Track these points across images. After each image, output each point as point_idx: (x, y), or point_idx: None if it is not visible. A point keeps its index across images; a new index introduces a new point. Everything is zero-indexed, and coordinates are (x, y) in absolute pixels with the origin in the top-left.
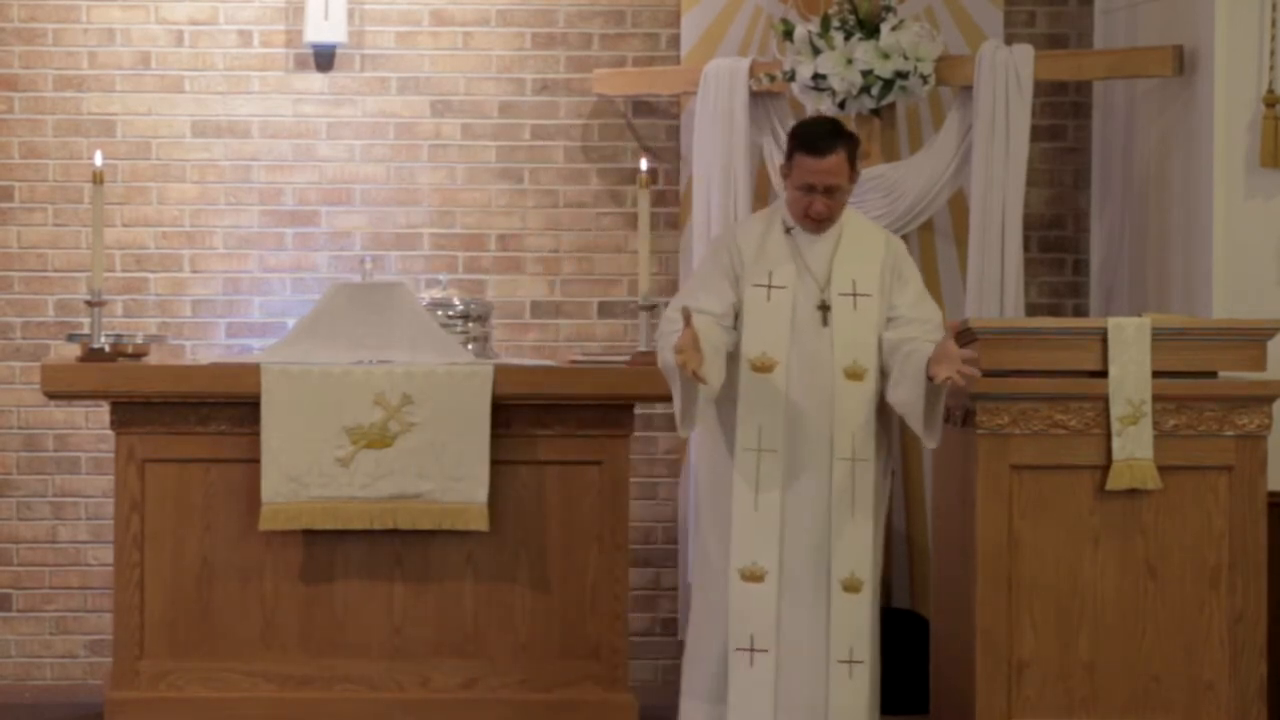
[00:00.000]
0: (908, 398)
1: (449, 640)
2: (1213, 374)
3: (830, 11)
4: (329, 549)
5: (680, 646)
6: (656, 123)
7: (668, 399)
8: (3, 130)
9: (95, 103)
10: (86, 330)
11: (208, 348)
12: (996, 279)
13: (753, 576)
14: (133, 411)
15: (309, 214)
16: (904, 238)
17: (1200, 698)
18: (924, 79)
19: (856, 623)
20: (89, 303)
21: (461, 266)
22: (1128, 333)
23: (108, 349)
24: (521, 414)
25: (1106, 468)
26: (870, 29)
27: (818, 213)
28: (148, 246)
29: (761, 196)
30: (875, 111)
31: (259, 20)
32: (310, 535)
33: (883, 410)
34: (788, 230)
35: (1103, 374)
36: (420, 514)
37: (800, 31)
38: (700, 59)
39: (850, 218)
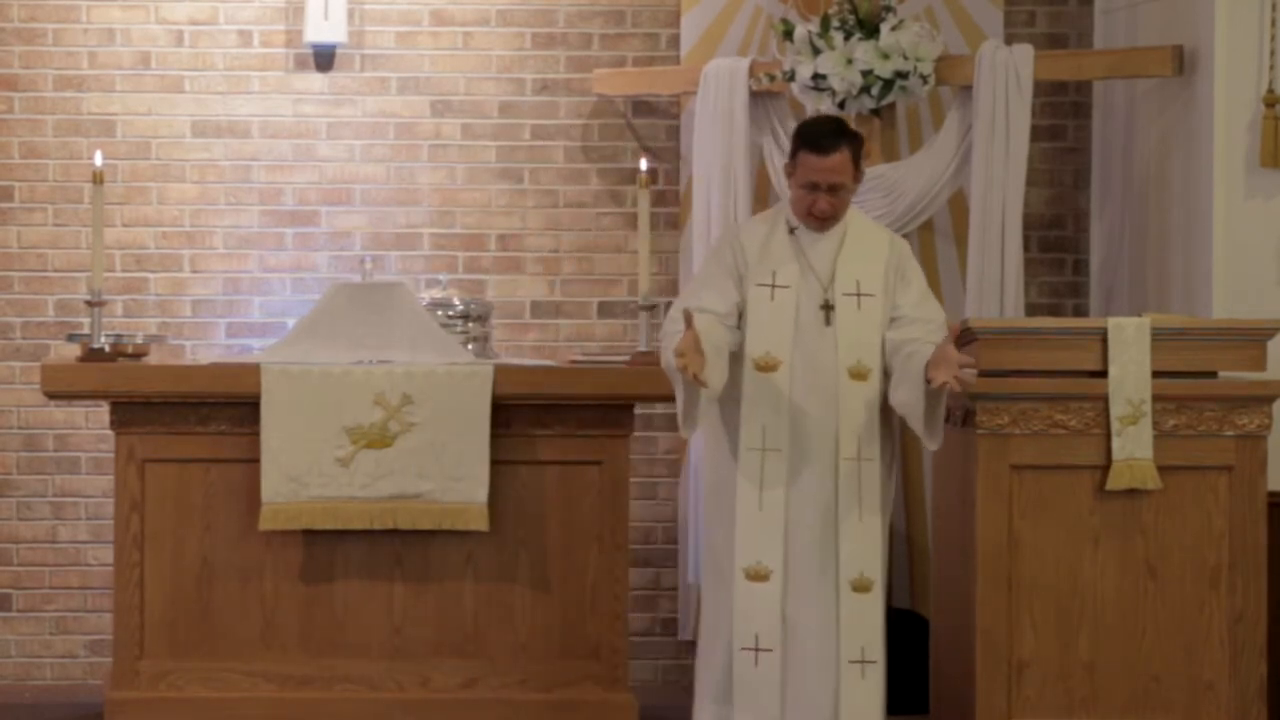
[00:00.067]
0: (908, 399)
1: (449, 640)
2: (1213, 374)
3: (830, 11)
4: (329, 549)
5: (680, 646)
6: (656, 123)
7: (668, 399)
8: (3, 130)
9: (95, 103)
10: (86, 330)
11: (208, 348)
12: (996, 279)
13: (757, 576)
14: (133, 411)
15: (309, 214)
16: (904, 238)
17: (1200, 698)
18: (924, 79)
19: (868, 622)
20: (89, 303)
21: (461, 266)
22: (1128, 333)
23: (108, 349)
24: (521, 414)
25: (1106, 468)
26: (870, 29)
27: (821, 211)
28: (148, 246)
29: (761, 196)
30: (875, 111)
31: (259, 20)
32: (310, 535)
33: (887, 410)
34: (791, 230)
35: (1103, 374)
36: (420, 514)
37: (800, 31)
38: (700, 59)
39: (854, 217)
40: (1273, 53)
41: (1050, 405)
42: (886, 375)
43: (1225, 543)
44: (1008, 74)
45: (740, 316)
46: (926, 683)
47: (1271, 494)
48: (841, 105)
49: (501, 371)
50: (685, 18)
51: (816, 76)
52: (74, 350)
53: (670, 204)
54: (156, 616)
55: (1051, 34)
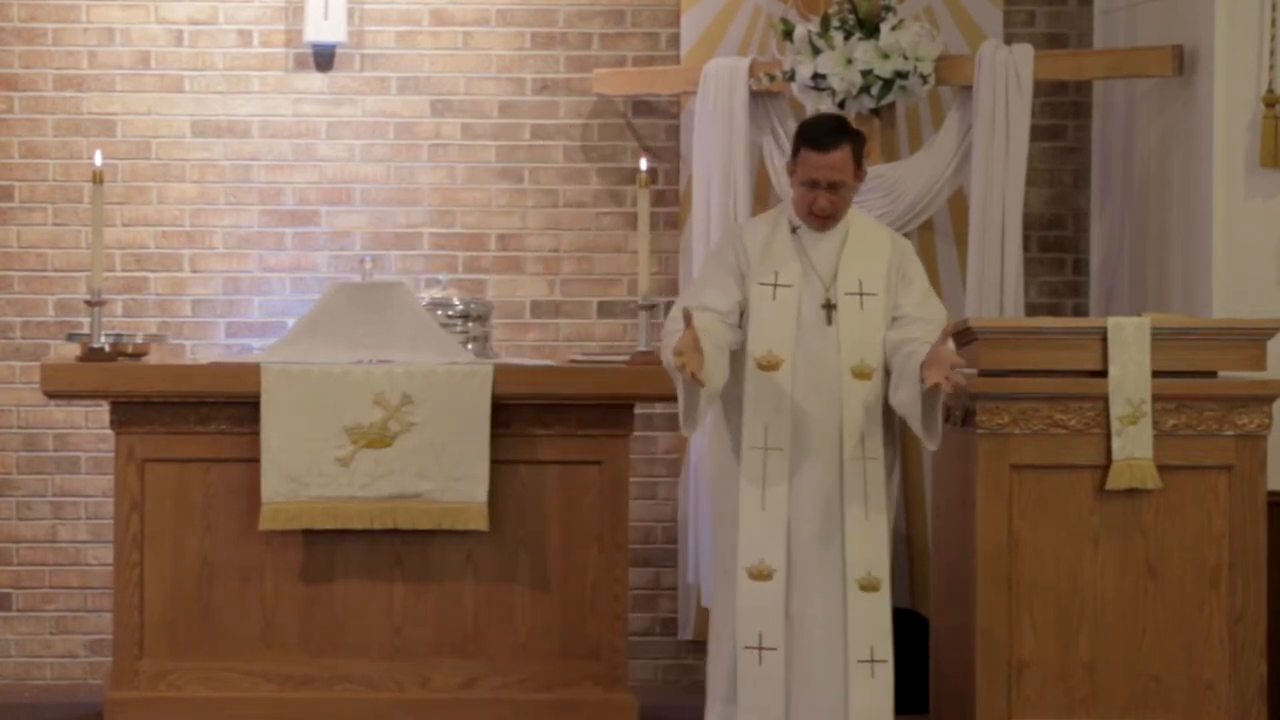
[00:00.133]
0: (906, 399)
1: (449, 640)
2: (1213, 374)
3: (830, 11)
4: (329, 549)
5: (680, 646)
6: (656, 122)
7: (668, 399)
8: (3, 130)
9: (95, 102)
10: (86, 330)
11: (208, 348)
12: (996, 279)
13: (760, 575)
14: (133, 411)
15: (309, 214)
16: (905, 237)
17: (1200, 698)
18: (924, 79)
19: (877, 622)
20: (89, 302)
21: (461, 266)
22: (1128, 332)
23: (108, 349)
24: (521, 414)
25: (1106, 467)
26: (870, 29)
27: (821, 209)
28: (148, 246)
29: (761, 196)
30: (875, 111)
31: (259, 20)
32: (310, 535)
33: (889, 409)
34: (794, 230)
35: (1103, 374)
36: (420, 514)
37: (800, 31)
38: (700, 59)
39: (856, 217)
40: (1273, 53)
41: (1050, 405)
42: (888, 374)
43: (1225, 543)
44: (1008, 74)
45: (742, 315)
46: (926, 683)
47: (1271, 494)
48: (841, 105)
49: (501, 371)
50: (685, 17)
51: (816, 76)
52: (74, 350)
53: (670, 204)
54: (156, 616)
55: (1051, 34)
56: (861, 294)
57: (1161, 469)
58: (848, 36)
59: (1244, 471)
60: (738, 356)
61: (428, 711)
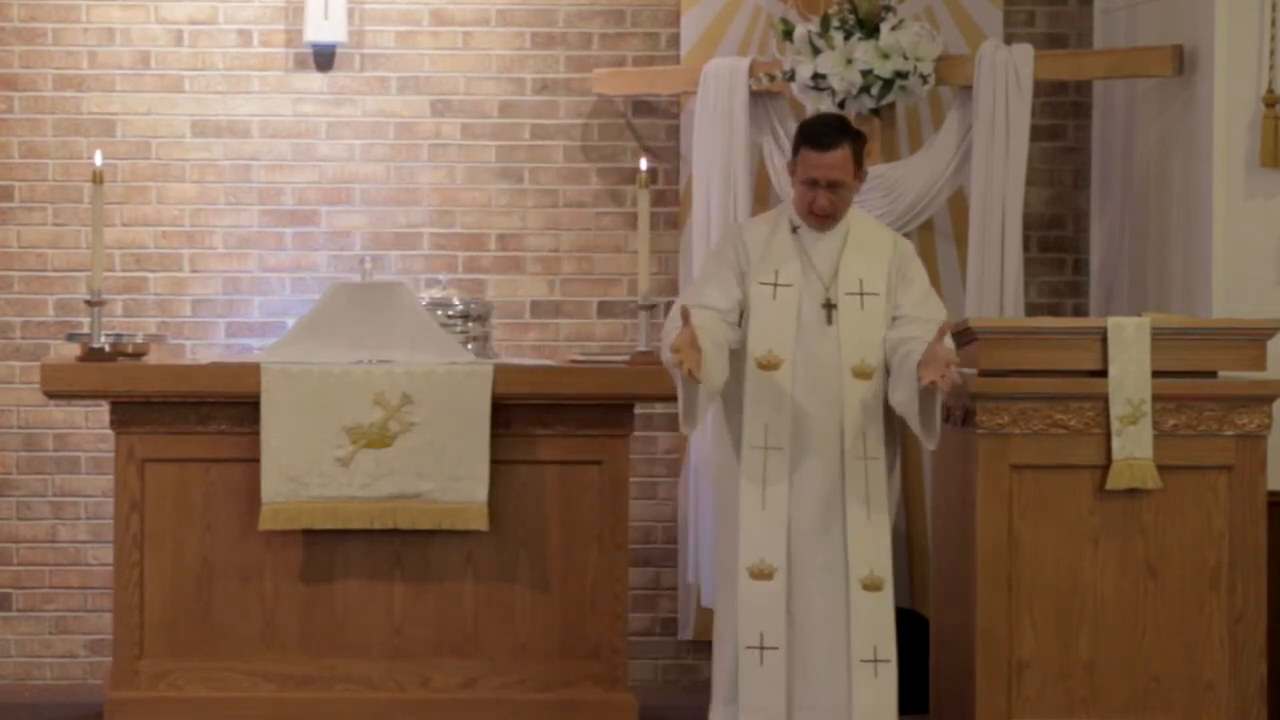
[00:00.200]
0: (904, 398)
1: (449, 640)
2: (1213, 374)
3: (830, 11)
4: (329, 549)
5: (680, 646)
6: (656, 122)
7: (668, 399)
8: (3, 130)
9: (95, 102)
10: (86, 330)
11: (208, 348)
12: (996, 279)
13: (761, 574)
14: (132, 411)
15: (309, 214)
16: (905, 237)
17: (1200, 698)
18: (924, 79)
19: (880, 621)
20: (89, 302)
21: (461, 266)
22: (1128, 332)
23: (107, 349)
24: (521, 414)
25: (1106, 467)
26: (870, 29)
27: (820, 208)
28: (147, 246)
29: (761, 196)
30: (875, 111)
31: (259, 20)
32: (310, 535)
33: (890, 409)
34: (794, 229)
35: (1103, 374)
36: (420, 514)
37: (800, 31)
38: (700, 59)
39: (857, 218)
40: (1273, 53)
41: (1050, 405)
42: (889, 374)
43: (1225, 543)
44: (1008, 74)
45: (742, 313)
46: (926, 683)
47: (1271, 494)
48: (841, 105)
49: (501, 371)
50: (685, 17)
51: (816, 76)
52: (74, 350)
53: (670, 204)
54: (156, 616)
55: (1051, 34)
56: (862, 294)
57: (1161, 469)
58: (848, 36)
59: (1244, 471)
60: (738, 355)
61: (428, 711)
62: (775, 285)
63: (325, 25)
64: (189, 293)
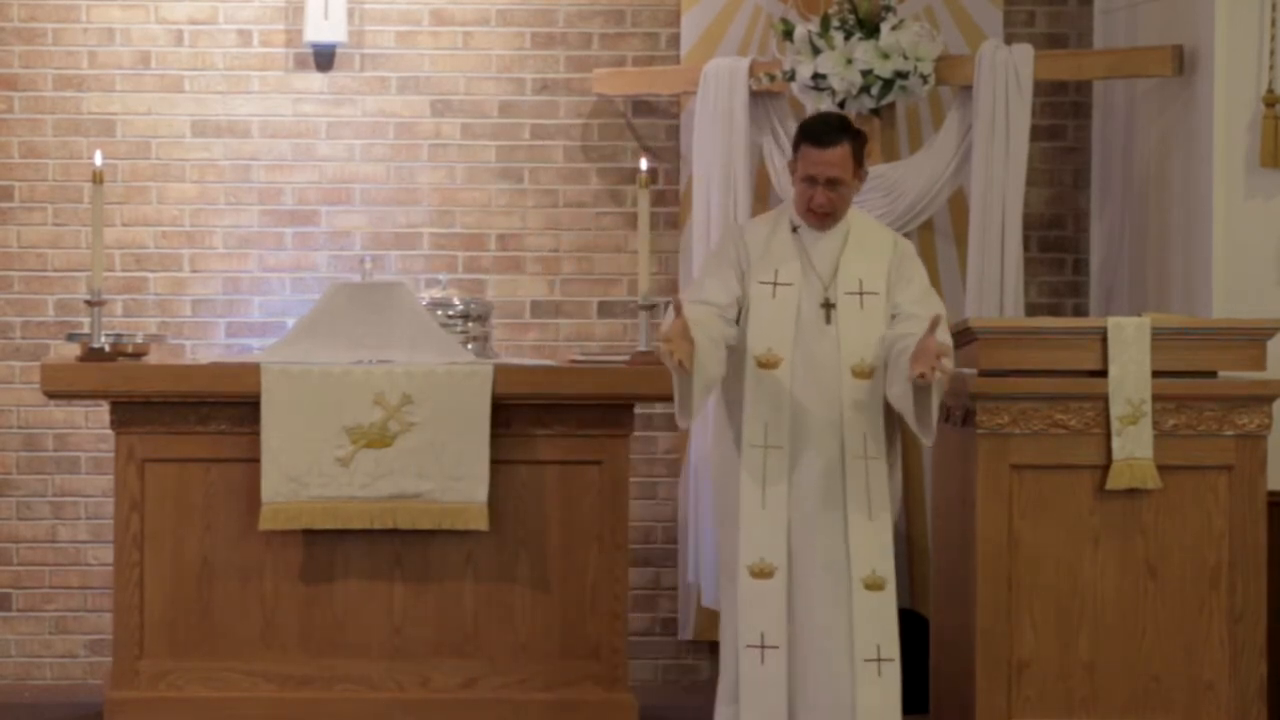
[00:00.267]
0: (899, 393)
1: (449, 640)
2: (1213, 374)
3: (830, 11)
4: (329, 549)
5: (680, 646)
6: (656, 122)
7: (668, 399)
8: (3, 130)
9: (95, 102)
10: (86, 330)
11: (208, 348)
12: (996, 279)
13: (761, 573)
14: (132, 411)
15: (309, 214)
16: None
17: (1200, 698)
18: (924, 79)
19: (882, 621)
20: (89, 302)
21: (461, 266)
22: (1128, 332)
23: (107, 349)
24: (521, 414)
25: (1106, 467)
26: (870, 29)
27: (819, 205)
28: (147, 246)
29: (761, 196)
30: (875, 111)
31: (259, 20)
32: (310, 535)
33: (890, 408)
34: (794, 229)
35: (1103, 374)
36: (420, 514)
37: (800, 31)
38: (700, 59)
39: (857, 218)
40: (1273, 53)
41: (1050, 405)
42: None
43: (1225, 543)
44: (1008, 74)
45: (740, 310)
46: (926, 683)
47: (1271, 494)
48: (841, 105)
49: (501, 371)
50: (685, 17)
51: (816, 76)
52: (74, 350)
53: (670, 204)
54: (156, 616)
55: (1051, 34)
56: (861, 293)
57: (1161, 469)
58: (848, 36)
59: (1244, 471)
60: (738, 354)
61: (428, 711)
62: (775, 284)
63: (325, 25)
64: (189, 293)
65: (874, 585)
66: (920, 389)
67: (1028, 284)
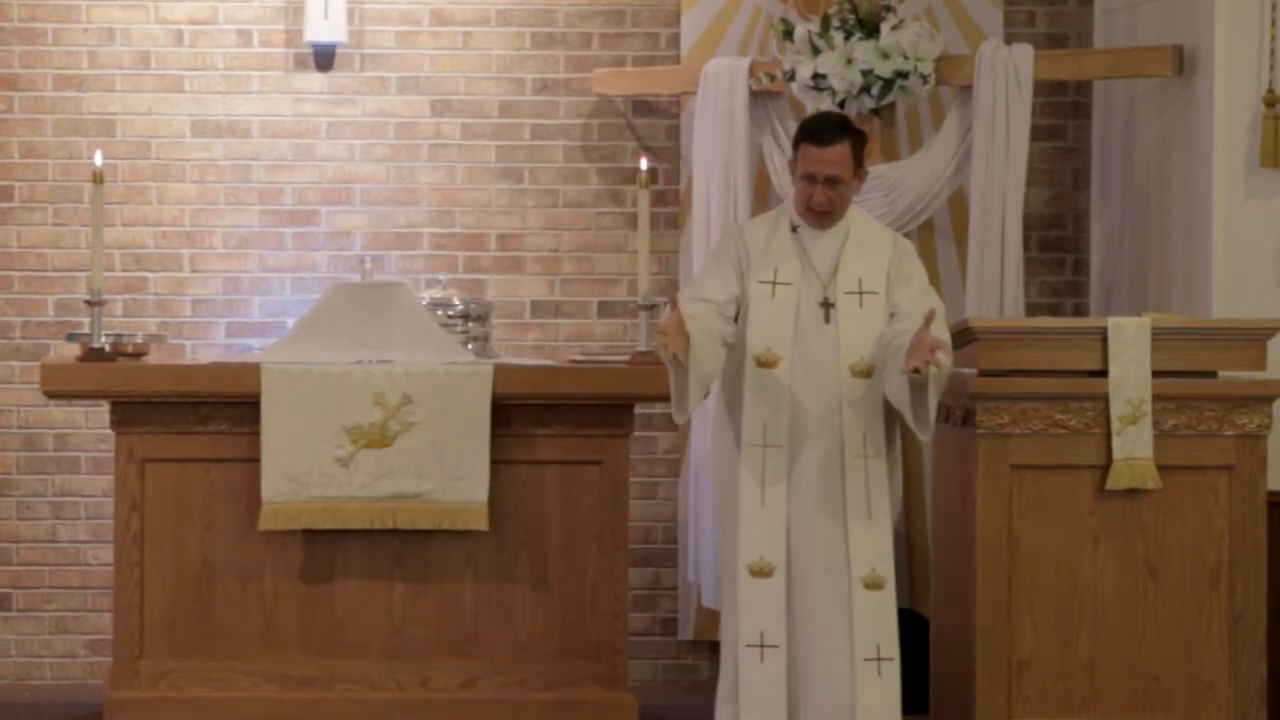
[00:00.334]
0: (896, 389)
1: (449, 640)
2: (1213, 374)
3: (830, 11)
4: (329, 549)
5: (680, 646)
6: (656, 122)
7: (668, 399)
8: (3, 130)
9: (95, 102)
10: (86, 330)
11: (208, 347)
12: (996, 279)
13: (761, 572)
14: (132, 411)
15: (309, 214)
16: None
17: (1200, 698)
18: (924, 79)
19: (882, 620)
20: (89, 302)
21: (461, 266)
22: (1128, 332)
23: (108, 349)
24: (521, 414)
25: (1106, 467)
26: (870, 29)
27: (818, 203)
28: (147, 246)
29: (761, 196)
30: (875, 111)
31: (259, 20)
32: (310, 535)
33: (890, 407)
34: (794, 229)
35: (1103, 374)
36: (420, 514)
37: (800, 31)
38: (700, 59)
39: (857, 217)
40: (1273, 53)
41: (1050, 405)
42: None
43: (1225, 543)
44: (1008, 74)
45: (739, 308)
46: (926, 683)
47: (1271, 494)
48: (841, 105)
49: (501, 371)
50: (685, 17)
51: (816, 76)
52: (74, 350)
53: (670, 204)
54: (156, 616)
55: (1051, 34)
56: (861, 293)
57: (1161, 469)
58: (848, 36)
59: (1244, 471)
60: (738, 353)
61: (428, 711)
62: (774, 284)
63: (325, 25)
64: (189, 293)
65: (874, 584)
66: (916, 384)
67: (1028, 284)
